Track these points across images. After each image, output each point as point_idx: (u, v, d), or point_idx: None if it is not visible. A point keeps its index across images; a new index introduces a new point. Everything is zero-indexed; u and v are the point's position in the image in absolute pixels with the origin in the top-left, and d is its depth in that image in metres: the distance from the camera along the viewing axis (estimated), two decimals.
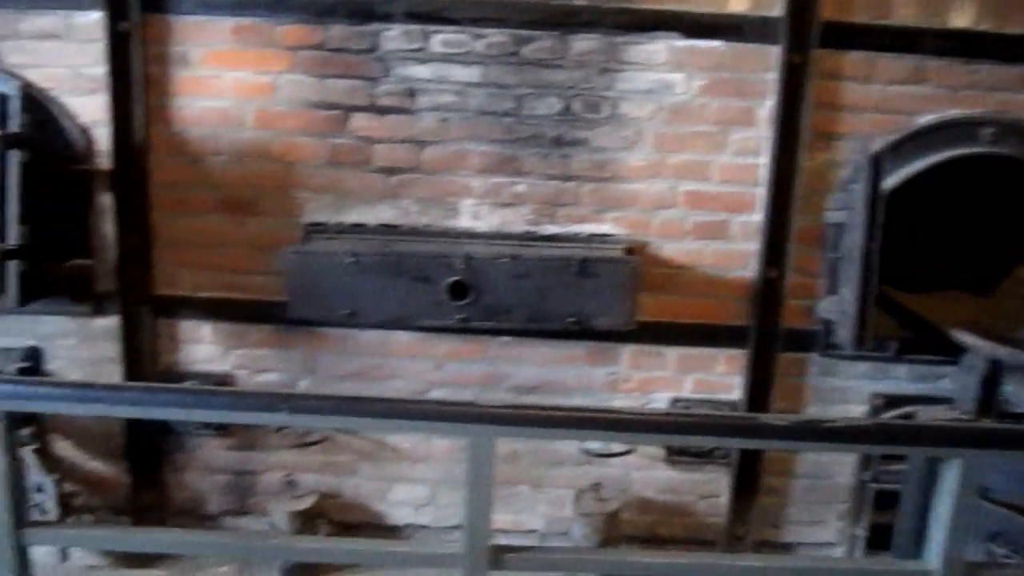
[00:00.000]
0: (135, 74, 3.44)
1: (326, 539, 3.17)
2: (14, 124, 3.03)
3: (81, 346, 3.73)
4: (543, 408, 2.54)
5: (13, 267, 3.07)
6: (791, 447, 2.75)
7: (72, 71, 3.50)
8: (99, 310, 3.66)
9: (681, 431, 2.38)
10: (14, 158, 3.02)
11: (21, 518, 2.56)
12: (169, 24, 3.45)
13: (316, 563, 3.61)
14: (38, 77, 3.50)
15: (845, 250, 3.36)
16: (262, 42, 3.44)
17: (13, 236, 3.06)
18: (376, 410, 2.44)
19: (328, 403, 2.47)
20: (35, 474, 3.67)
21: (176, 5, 3.43)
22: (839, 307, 3.37)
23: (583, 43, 3.40)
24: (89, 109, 3.50)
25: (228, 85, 3.48)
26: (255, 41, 3.44)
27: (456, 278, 3.31)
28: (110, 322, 3.68)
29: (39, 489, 3.70)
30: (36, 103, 3.35)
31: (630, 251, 3.49)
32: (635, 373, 3.67)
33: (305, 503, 3.68)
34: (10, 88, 3.19)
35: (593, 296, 3.32)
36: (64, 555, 3.63)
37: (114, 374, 3.69)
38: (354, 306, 3.35)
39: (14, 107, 3.04)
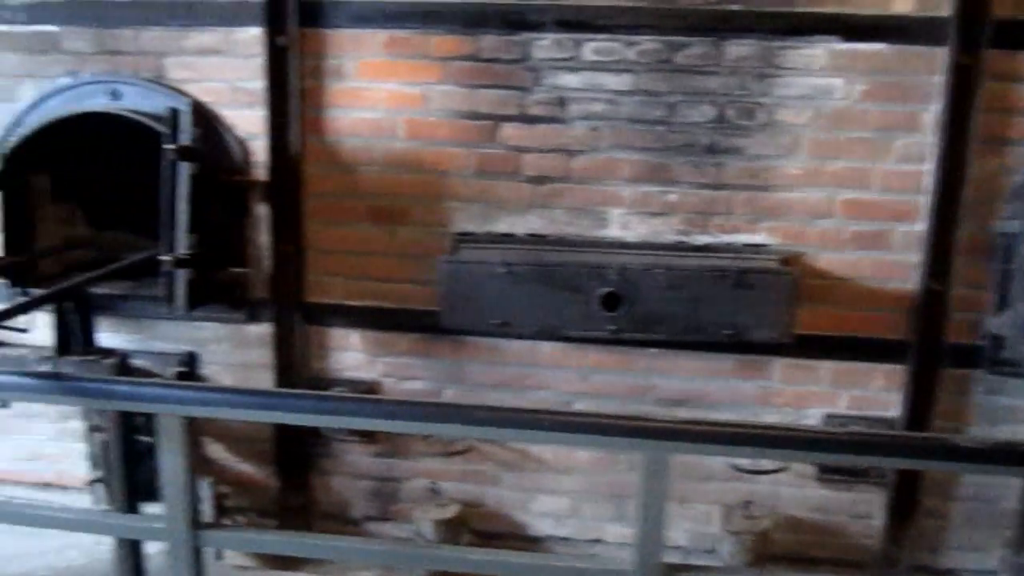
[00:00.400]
0: (292, 87, 3.52)
1: (490, 551, 3.13)
2: (185, 137, 3.12)
3: (234, 352, 3.83)
4: (721, 424, 2.47)
5: (182, 275, 3.16)
6: (982, 471, 2.59)
7: (231, 85, 3.60)
8: (252, 317, 3.75)
9: (886, 451, 2.28)
10: (185, 170, 3.11)
11: (197, 520, 2.63)
12: (325, 37, 3.51)
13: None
14: (199, 91, 3.62)
15: (1020, 261, 3.18)
16: (414, 53, 3.47)
17: (183, 245, 3.14)
18: (549, 423, 2.42)
19: (500, 415, 2.47)
20: None
21: (331, 19, 3.49)
22: (1013, 321, 3.20)
23: (738, 48, 3.32)
24: (246, 122, 3.59)
25: (380, 96, 3.53)
26: (408, 52, 3.48)
27: (609, 289, 3.27)
28: (262, 329, 3.77)
29: None
30: (199, 117, 3.45)
31: (785, 262, 3.39)
32: (787, 387, 3.56)
33: (450, 512, 3.69)
34: (181, 103, 3.29)
35: (750, 308, 3.24)
36: (219, 555, 3.73)
37: (265, 380, 3.77)
38: (506, 316, 3.35)
39: (185, 121, 3.13)
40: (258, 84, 3.56)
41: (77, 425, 4.02)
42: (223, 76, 3.60)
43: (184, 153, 3.10)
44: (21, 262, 3.63)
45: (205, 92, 3.62)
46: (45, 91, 3.74)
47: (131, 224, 4.23)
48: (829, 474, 3.60)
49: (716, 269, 3.23)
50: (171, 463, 2.57)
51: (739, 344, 3.33)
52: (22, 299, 3.03)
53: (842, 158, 3.36)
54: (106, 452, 3.90)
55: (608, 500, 3.76)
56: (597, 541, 3.81)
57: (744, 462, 3.56)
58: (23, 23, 3.71)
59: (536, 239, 3.55)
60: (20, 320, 3.08)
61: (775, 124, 3.36)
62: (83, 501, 4.00)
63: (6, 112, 3.77)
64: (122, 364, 3.20)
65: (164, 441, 2.56)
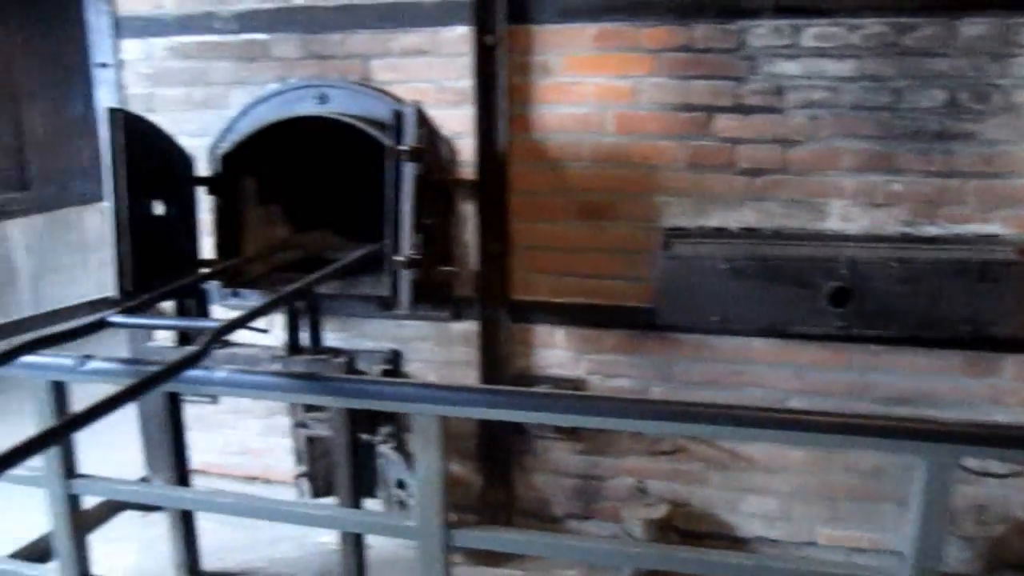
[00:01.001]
0: (500, 84, 3.52)
1: (735, 553, 3.05)
2: (410, 139, 3.14)
3: (438, 349, 3.87)
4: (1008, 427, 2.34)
5: (407, 275, 3.20)
6: None
7: (437, 85, 3.62)
8: (457, 315, 3.78)
9: None
10: (410, 171, 3.14)
11: (446, 520, 2.64)
12: (532, 34, 3.50)
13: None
14: (404, 92, 3.66)
15: None
16: (624, 46, 3.43)
17: (409, 246, 3.18)
18: (820, 424, 2.33)
19: (767, 416, 2.39)
20: (399, 471, 3.84)
21: (539, 16, 3.48)
22: None
23: (972, 28, 3.15)
24: (453, 121, 3.60)
25: (589, 91, 3.50)
26: (617, 46, 3.43)
27: (838, 284, 3.15)
28: (466, 327, 3.79)
29: (399, 485, 3.87)
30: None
31: (1022, 252, 3.19)
32: (1020, 386, 3.36)
33: (659, 511, 3.64)
34: (393, 105, 3.32)
35: (992, 302, 3.07)
36: None
37: (469, 377, 3.80)
38: (726, 312, 3.28)
39: (410, 123, 3.16)
40: (465, 83, 3.58)
41: (283, 421, 4.14)
42: (429, 76, 3.62)
43: (411, 154, 3.12)
44: (235, 265, 3.74)
45: (411, 92, 3.65)
46: (255, 97, 3.83)
47: (330, 225, 4.33)
48: None
49: (957, 261, 3.08)
50: (426, 462, 2.60)
51: (979, 340, 3.15)
52: (261, 301, 3.10)
53: None
54: (311, 448, 4.02)
55: (821, 501, 3.64)
56: (810, 544, 3.69)
57: (973, 463, 3.39)
58: (234, 32, 3.82)
59: (750, 233, 3.45)
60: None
61: (1012, 107, 3.17)
62: (288, 495, 4.11)
63: (219, 119, 3.90)
64: (349, 364, 3.25)
65: (420, 440, 2.58)
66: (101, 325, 2.99)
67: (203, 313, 3.48)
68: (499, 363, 3.77)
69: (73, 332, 2.92)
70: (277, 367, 3.24)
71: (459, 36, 3.55)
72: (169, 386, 2.91)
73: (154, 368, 2.80)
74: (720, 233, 3.48)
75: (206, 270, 3.58)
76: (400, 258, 3.11)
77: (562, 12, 3.47)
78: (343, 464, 3.32)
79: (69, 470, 3.04)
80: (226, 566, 3.80)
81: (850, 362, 3.49)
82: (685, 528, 3.76)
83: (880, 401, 3.48)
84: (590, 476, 3.86)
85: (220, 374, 2.75)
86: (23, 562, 3.36)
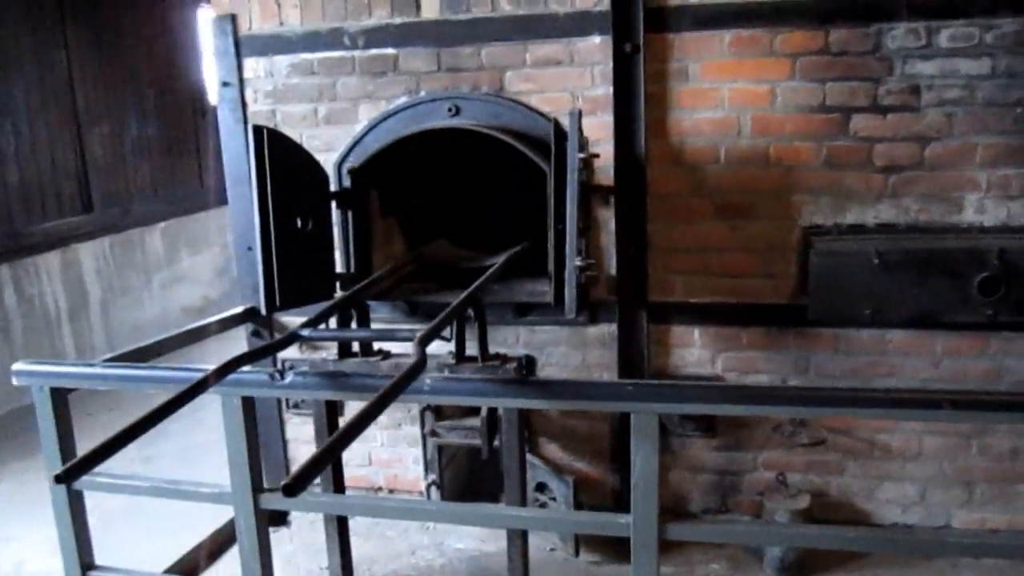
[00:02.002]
0: (638, 91, 3.62)
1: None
2: (576, 147, 3.22)
3: (572, 353, 3.95)
4: None
5: (574, 281, 3.27)
6: None
7: (572, 94, 3.72)
8: (593, 318, 3.86)
9: None
10: (575, 179, 3.22)
11: (662, 514, 2.72)
12: (669, 41, 3.61)
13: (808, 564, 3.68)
14: (539, 101, 3.76)
15: None
16: (761, 51, 3.54)
17: (575, 253, 3.26)
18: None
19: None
20: (542, 474, 3.91)
21: (676, 23, 3.58)
22: None
23: None
24: (589, 128, 3.69)
25: (726, 95, 3.61)
26: (754, 51, 3.55)
27: (987, 273, 3.27)
28: (602, 329, 3.89)
29: (540, 488, 3.94)
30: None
31: None
32: None
33: (802, 502, 3.73)
34: (570, 111, 3.35)
35: None
36: (576, 551, 3.85)
37: (606, 377, 3.86)
38: (878, 305, 3.39)
39: (575, 131, 3.23)
40: (600, 91, 3.67)
41: (410, 431, 4.19)
42: (564, 85, 3.72)
43: (581, 162, 3.20)
44: (376, 280, 3.79)
45: (545, 102, 3.75)
46: (384, 111, 3.90)
47: (443, 235, 4.39)
48: None
49: None
50: (642, 458, 2.67)
51: None
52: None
53: None
54: (441, 456, 4.07)
55: (956, 485, 3.76)
56: (945, 528, 3.80)
57: None
58: (362, 48, 3.88)
59: (886, 228, 3.58)
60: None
61: None
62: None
63: (345, 134, 3.97)
64: (528, 366, 3.32)
65: (637, 437, 2.66)
66: (294, 338, 3.05)
67: (365, 324, 3.53)
68: (636, 364, 3.86)
69: (272, 347, 2.98)
70: (445, 375, 3.29)
71: (595, 45, 3.65)
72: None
73: (358, 379, 2.88)
74: (858, 229, 3.60)
75: (361, 283, 3.61)
76: (577, 263, 3.17)
77: (699, 20, 3.57)
78: (513, 469, 3.37)
79: (258, 486, 3.07)
80: (375, 575, 3.83)
81: (985, 349, 3.62)
82: (823, 517, 3.85)
83: (1015, 385, 3.60)
84: (726, 471, 3.95)
85: (427, 383, 2.79)
86: None
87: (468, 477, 4.46)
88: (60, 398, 3.18)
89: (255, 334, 4.31)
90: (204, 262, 7.41)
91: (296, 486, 1.90)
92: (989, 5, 3.36)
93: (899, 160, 3.53)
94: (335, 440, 2.11)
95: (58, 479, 2.10)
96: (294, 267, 3.60)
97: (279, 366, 2.98)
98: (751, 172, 3.64)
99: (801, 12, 3.49)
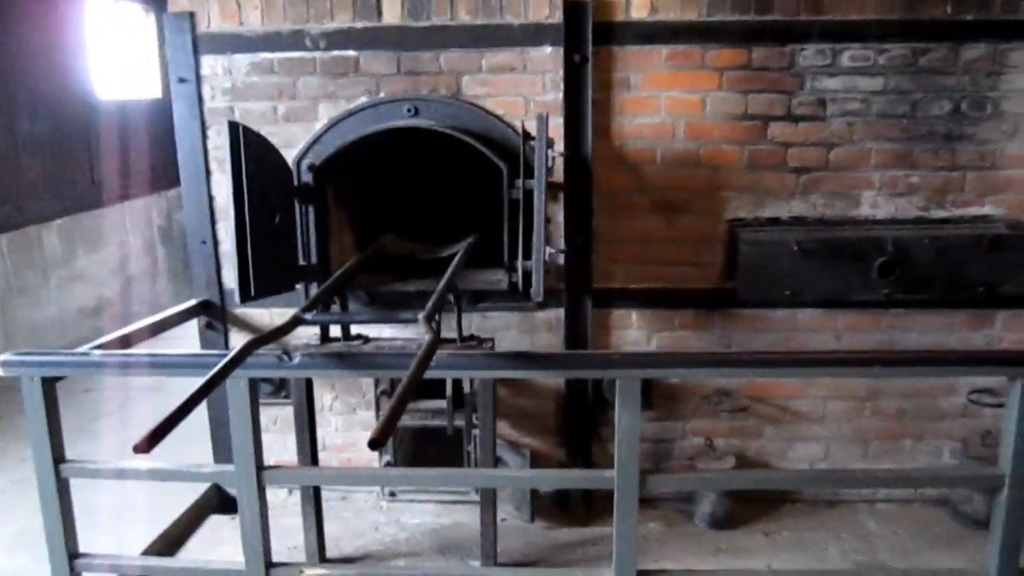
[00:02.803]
0: (587, 98, 4.02)
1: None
2: (546, 144, 3.57)
3: (522, 337, 4.30)
4: None
5: (541, 268, 3.63)
6: None
7: (526, 99, 4.07)
8: (542, 304, 4.21)
9: None
10: (543, 175, 3.58)
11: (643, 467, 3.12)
12: (615, 54, 4.03)
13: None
14: (493, 105, 4.09)
15: None
16: (694, 65, 4.02)
17: (543, 243, 3.61)
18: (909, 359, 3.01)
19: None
20: (498, 449, 4.23)
21: (621, 37, 4.01)
22: None
23: (972, 52, 3.98)
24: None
25: (663, 103, 4.07)
26: (688, 64, 4.02)
27: (885, 258, 3.88)
28: (548, 315, 4.26)
29: (494, 463, 4.27)
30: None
31: (1014, 226, 4.06)
32: (1008, 335, 4.24)
33: (727, 464, 4.25)
34: (539, 124, 3.71)
35: (1001, 267, 3.90)
36: (532, 518, 4.20)
37: None
38: (796, 287, 3.94)
39: (543, 134, 3.58)
40: (550, 96, 4.05)
41: (364, 416, 4.42)
42: (518, 91, 4.07)
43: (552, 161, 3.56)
44: (349, 270, 4.00)
45: (499, 105, 4.08)
46: (344, 110, 4.12)
47: (394, 230, 4.65)
48: None
49: (972, 237, 3.89)
50: (626, 419, 3.06)
51: (990, 298, 3.98)
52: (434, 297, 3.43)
53: None
54: (396, 439, 4.33)
55: (854, 443, 4.38)
56: None
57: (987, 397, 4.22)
58: (323, 49, 4.09)
59: (798, 221, 4.14)
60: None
61: (1001, 114, 4.03)
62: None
63: (304, 132, 4.15)
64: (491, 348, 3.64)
65: (623, 401, 3.05)
66: (297, 322, 3.25)
67: (345, 311, 3.75)
68: (581, 345, 4.25)
69: (280, 330, 3.17)
70: (448, 351, 3.55)
71: (547, 55, 4.02)
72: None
73: (366, 358, 3.11)
74: (774, 222, 4.14)
75: (337, 273, 3.82)
76: (552, 250, 3.52)
77: (641, 35, 4.01)
78: (487, 438, 3.70)
79: (260, 464, 3.25)
80: (344, 552, 4.04)
81: (879, 324, 4.25)
82: None
83: None
84: (660, 439, 4.42)
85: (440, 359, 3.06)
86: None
87: (413, 460, 4.71)
88: (50, 388, 3.22)
89: (208, 327, 4.40)
90: (100, 261, 7.23)
91: (381, 440, 2.15)
92: (881, 32, 3.97)
93: (808, 162, 4.10)
94: (399, 400, 2.36)
95: (136, 449, 2.24)
96: (266, 259, 3.76)
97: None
98: (684, 172, 4.11)
99: (728, 31, 3.98)
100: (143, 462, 3.62)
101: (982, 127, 4.05)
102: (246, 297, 3.71)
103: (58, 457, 3.23)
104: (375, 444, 2.16)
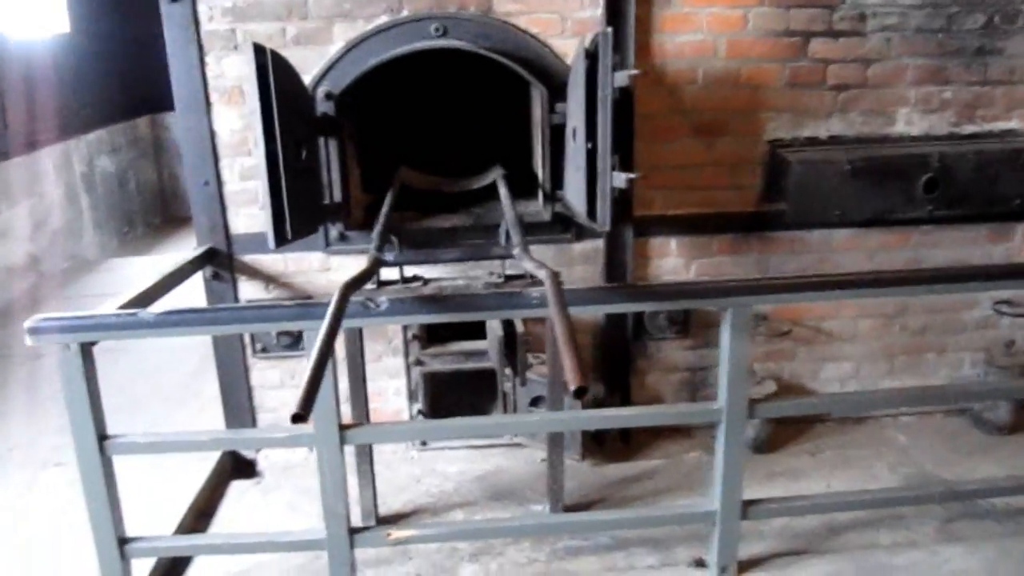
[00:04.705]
0: (629, 14, 3.78)
1: None
2: (611, 61, 3.33)
3: (560, 268, 4.09)
4: None
5: (608, 197, 3.42)
6: None
7: (561, 16, 3.80)
8: (579, 235, 4.04)
9: None
10: (607, 99, 3.35)
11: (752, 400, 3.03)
12: None
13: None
14: (528, 23, 3.81)
15: None
16: None
17: (608, 170, 3.40)
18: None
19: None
20: (538, 388, 4.07)
21: None
22: None
23: None
24: (575, 50, 3.79)
25: (704, 20, 3.88)
26: None
27: (930, 175, 3.88)
28: (585, 246, 4.08)
29: (534, 403, 4.11)
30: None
31: None
32: None
33: (769, 388, 4.22)
34: (602, 41, 3.40)
35: None
36: (583, 456, 4.08)
37: None
38: (845, 207, 3.89)
39: (607, 53, 3.33)
40: (587, 13, 3.80)
41: (391, 363, 4.17)
42: (553, 7, 3.79)
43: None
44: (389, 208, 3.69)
45: (534, 23, 3.80)
46: (363, 31, 3.75)
47: (410, 160, 4.32)
48: None
49: (1012, 151, 3.91)
50: (738, 349, 2.95)
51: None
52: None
53: None
54: (428, 385, 4.11)
55: (882, 360, 4.44)
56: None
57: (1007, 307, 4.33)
58: None
59: (836, 140, 4.07)
60: None
61: None
62: None
63: (318, 56, 3.76)
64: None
65: (735, 332, 2.93)
66: (379, 264, 2.99)
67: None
68: (621, 276, 4.10)
69: (367, 274, 2.89)
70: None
71: None
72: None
73: (460, 299, 2.87)
74: (813, 142, 4.06)
75: (384, 210, 3.50)
76: (628, 176, 3.31)
77: None
78: (555, 382, 3.52)
79: (341, 424, 2.98)
80: (393, 509, 3.82)
81: (907, 243, 4.27)
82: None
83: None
84: (697, 368, 4.34)
85: (534, 295, 2.84)
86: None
87: (442, 405, 4.49)
88: (89, 356, 2.84)
89: (215, 277, 4.00)
90: (22, 215, 6.51)
91: (585, 388, 1.95)
92: None
93: (847, 80, 4.01)
94: (572, 344, 2.14)
95: (295, 419, 1.95)
96: (297, 199, 3.41)
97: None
98: (724, 92, 3.96)
99: None
100: (198, 434, 3.30)
101: (1012, 41, 4.05)
102: (282, 241, 3.36)
103: (101, 433, 2.86)
104: (580, 392, 1.96)
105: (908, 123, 4.10)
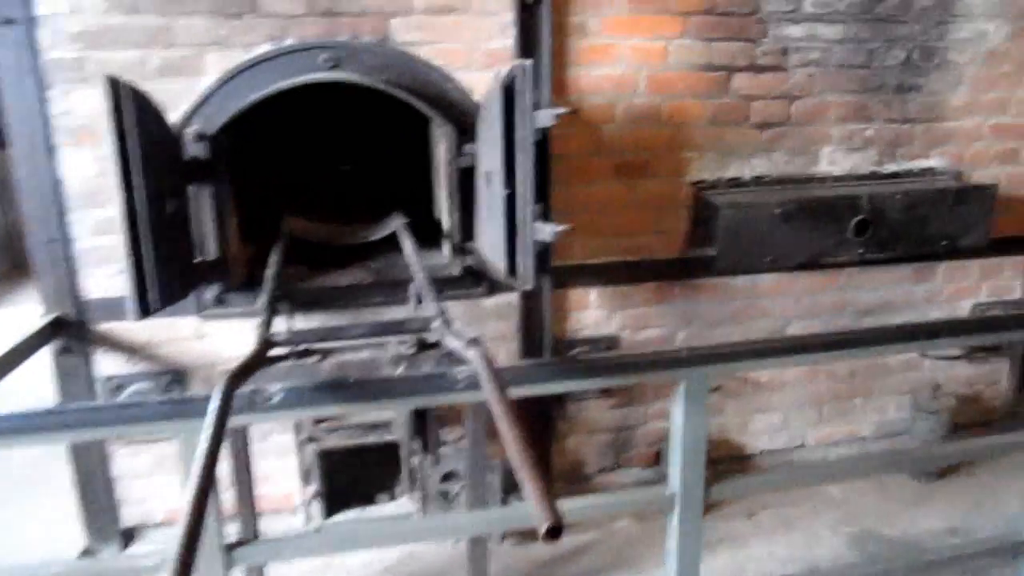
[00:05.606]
0: (543, 45, 3.43)
1: None
2: (531, 100, 2.95)
3: (468, 329, 3.66)
4: None
5: (530, 250, 3.04)
6: None
7: (468, 46, 3.41)
8: (492, 289, 3.64)
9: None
10: (528, 140, 2.97)
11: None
12: None
13: None
14: (430, 54, 3.39)
15: None
16: (657, 8, 3.55)
17: (530, 220, 3.03)
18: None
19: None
20: (452, 462, 3.64)
21: None
22: None
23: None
24: (483, 84, 3.42)
25: (624, 51, 3.57)
26: (651, 7, 3.54)
27: (861, 217, 3.68)
28: (498, 301, 3.68)
29: (446, 478, 3.67)
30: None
31: (957, 179, 4.01)
32: (946, 286, 4.22)
33: None
34: (521, 76, 3.04)
35: (961, 221, 3.82)
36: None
37: (508, 350, 3.70)
38: (776, 252, 3.63)
39: (527, 88, 2.95)
40: (499, 43, 3.42)
41: (278, 441, 3.65)
42: (459, 36, 3.39)
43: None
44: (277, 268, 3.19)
45: (438, 54, 3.39)
46: (241, 62, 3.24)
47: (294, 206, 3.83)
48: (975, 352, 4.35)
49: (938, 191, 3.77)
50: (694, 424, 2.62)
51: (952, 251, 3.90)
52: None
53: (993, 90, 4.01)
54: (324, 463, 3.62)
55: (810, 408, 4.22)
56: (800, 447, 4.25)
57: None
58: None
59: (759, 181, 3.83)
60: None
61: (947, 64, 3.93)
62: (290, 522, 3.67)
63: (187, 90, 3.23)
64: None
65: (690, 404, 2.59)
66: (268, 347, 2.46)
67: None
68: (537, 332, 3.72)
69: (254, 362, 2.38)
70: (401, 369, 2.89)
71: None
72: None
73: (377, 384, 2.42)
74: (737, 183, 3.80)
75: (271, 270, 2.99)
76: (551, 229, 2.93)
77: None
78: (479, 466, 3.08)
79: (225, 545, 2.45)
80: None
81: (834, 284, 4.07)
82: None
83: (855, 315, 4.11)
84: (621, 428, 4.00)
85: (459, 376, 2.42)
86: None
87: (338, 483, 3.97)
88: None
89: (65, 351, 3.37)
90: None
91: (560, 528, 1.55)
92: None
93: (771, 117, 3.78)
94: (529, 455, 1.75)
95: None
96: (163, 258, 2.88)
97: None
98: (646, 130, 3.66)
99: None
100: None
101: (930, 78, 3.91)
102: (146, 312, 2.81)
103: None
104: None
105: (831, 162, 3.90)
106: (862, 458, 3.89)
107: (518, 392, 2.42)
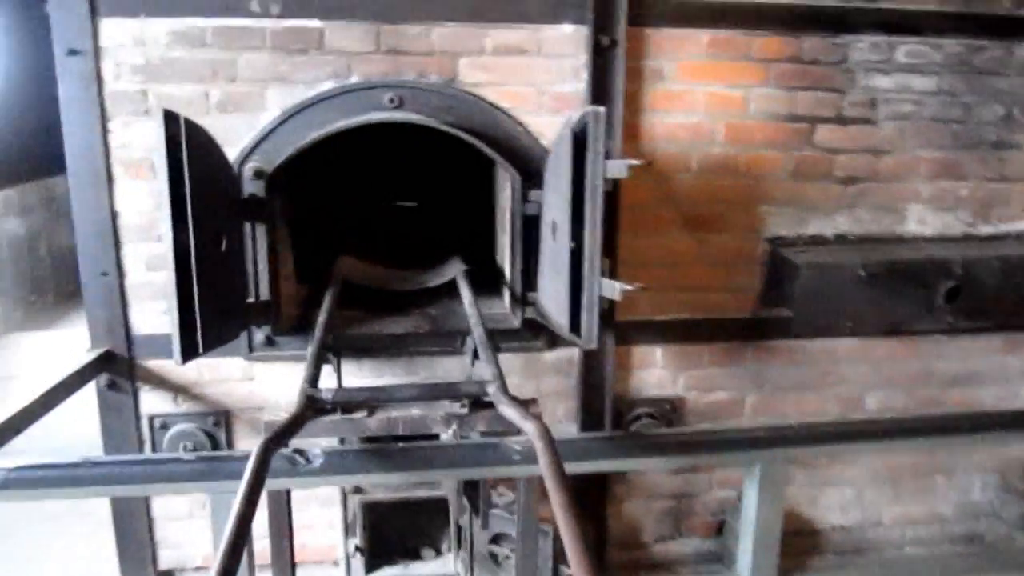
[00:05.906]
0: (616, 90, 3.26)
1: None
2: (603, 146, 2.78)
3: (524, 384, 3.51)
4: None
5: (595, 307, 2.86)
6: None
7: (538, 89, 3.26)
8: (552, 343, 3.45)
9: None
10: (598, 191, 2.80)
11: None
12: (646, 37, 3.30)
13: None
14: (497, 96, 3.26)
15: None
16: (737, 55, 3.36)
17: (597, 275, 2.85)
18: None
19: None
20: (501, 523, 3.45)
21: (656, 18, 3.28)
22: None
23: None
24: (553, 128, 3.27)
25: (700, 99, 3.38)
26: (730, 54, 3.36)
27: (953, 283, 3.40)
28: (559, 355, 3.50)
29: (495, 540, 3.48)
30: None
31: None
32: None
33: None
34: (593, 122, 2.89)
35: None
36: None
37: (566, 408, 3.51)
38: (858, 316, 3.38)
39: (599, 136, 2.79)
40: (572, 87, 3.27)
41: (323, 491, 3.49)
42: (528, 79, 3.25)
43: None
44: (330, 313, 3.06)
45: (506, 96, 3.25)
46: (303, 99, 3.14)
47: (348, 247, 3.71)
48: None
49: None
50: (767, 508, 2.43)
51: None
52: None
53: None
54: (368, 516, 3.45)
55: (885, 483, 3.92)
56: (877, 524, 3.95)
57: None
58: (276, 16, 3.09)
59: (842, 239, 3.59)
60: None
61: None
62: (331, 574, 3.50)
63: (247, 126, 3.14)
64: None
65: (766, 488, 2.36)
66: (313, 404, 2.31)
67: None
68: (598, 391, 3.51)
69: (296, 421, 2.22)
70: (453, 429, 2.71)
71: (568, 35, 3.22)
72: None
73: (417, 452, 2.25)
74: (817, 240, 3.57)
75: (322, 315, 2.86)
76: (618, 287, 2.74)
77: (678, 16, 3.30)
78: (530, 533, 2.88)
79: None
80: None
81: (915, 353, 3.78)
82: None
83: (940, 385, 3.82)
84: (682, 495, 3.76)
85: (515, 448, 2.24)
86: None
87: (382, 537, 3.81)
88: None
89: (111, 386, 3.28)
90: None
91: None
92: (939, 26, 3.46)
93: (856, 171, 3.55)
94: (580, 537, 1.58)
95: None
96: (213, 299, 2.76)
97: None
98: (721, 182, 3.46)
99: (778, 17, 3.35)
100: None
101: None
102: (191, 355, 2.69)
103: None
104: None
105: (920, 222, 3.64)
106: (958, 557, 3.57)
107: (577, 468, 2.24)
